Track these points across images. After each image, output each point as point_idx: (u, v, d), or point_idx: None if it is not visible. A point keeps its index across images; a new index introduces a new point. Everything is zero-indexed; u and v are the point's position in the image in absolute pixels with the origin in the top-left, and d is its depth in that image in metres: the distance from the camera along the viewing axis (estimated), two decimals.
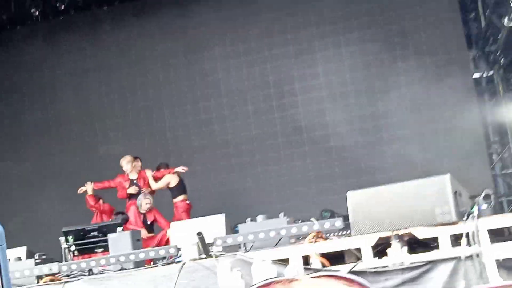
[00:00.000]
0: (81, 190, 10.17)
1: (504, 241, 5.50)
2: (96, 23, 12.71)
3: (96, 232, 7.37)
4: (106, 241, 6.83)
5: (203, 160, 12.16)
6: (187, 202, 10.30)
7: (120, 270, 6.19)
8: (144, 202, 9.64)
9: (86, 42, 12.70)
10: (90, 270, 6.13)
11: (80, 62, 12.70)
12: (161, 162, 10.65)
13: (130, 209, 9.85)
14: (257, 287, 0.93)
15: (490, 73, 11.04)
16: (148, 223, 9.68)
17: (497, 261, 5.27)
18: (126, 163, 10.17)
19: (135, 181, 10.13)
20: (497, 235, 5.62)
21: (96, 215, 10.28)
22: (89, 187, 10.12)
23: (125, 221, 9.01)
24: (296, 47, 11.96)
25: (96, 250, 7.21)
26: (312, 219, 6.11)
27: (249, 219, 6.73)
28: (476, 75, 11.21)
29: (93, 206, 10.21)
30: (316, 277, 0.89)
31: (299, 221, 7.06)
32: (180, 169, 10.19)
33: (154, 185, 10.07)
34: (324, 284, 0.84)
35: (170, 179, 10.22)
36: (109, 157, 11.63)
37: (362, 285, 0.92)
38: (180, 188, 10.35)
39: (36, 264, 6.47)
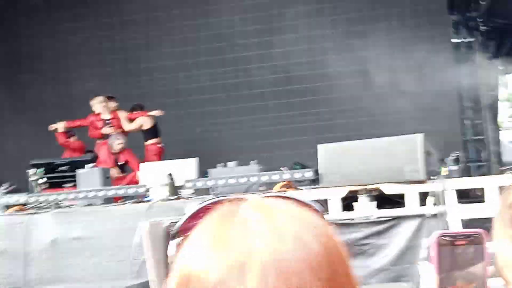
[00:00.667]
0: (51, 127, 10.07)
1: (469, 203, 5.62)
2: None
3: (65, 167, 7.34)
4: (75, 176, 6.81)
5: (178, 105, 12.09)
6: (159, 145, 10.26)
7: (88, 205, 6.20)
8: (116, 143, 9.60)
9: None
10: (57, 203, 6.12)
11: None
12: (135, 103, 10.55)
13: (102, 149, 9.80)
14: (208, 204, 0.93)
15: (470, 39, 11.05)
16: (119, 163, 9.66)
17: (462, 221, 5.39)
18: (96, 103, 10.04)
19: (108, 121, 10.04)
20: (462, 197, 5.73)
21: (66, 152, 10.21)
22: (60, 125, 10.01)
23: (95, 158, 8.96)
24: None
25: (64, 185, 7.18)
26: (283, 168, 6.17)
27: (220, 164, 6.75)
28: (455, 40, 11.22)
29: (63, 143, 10.13)
30: (266, 197, 0.90)
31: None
32: (155, 112, 10.12)
33: (127, 126, 9.99)
34: (274, 202, 0.85)
35: (144, 122, 10.15)
36: (83, 95, 11.50)
37: (311, 207, 0.94)
38: (153, 131, 10.29)
39: (5, 194, 6.45)
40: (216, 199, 0.98)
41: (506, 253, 1.18)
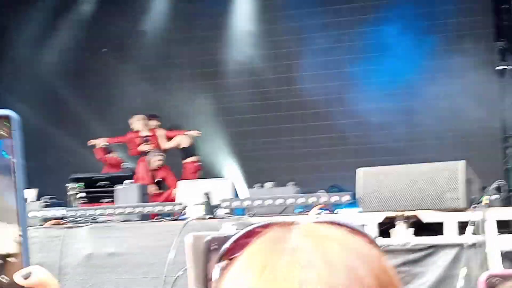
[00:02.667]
0: (90, 142, 10.23)
1: (510, 233, 5.47)
2: None
3: (104, 182, 7.41)
4: (113, 192, 6.87)
5: (216, 126, 12.15)
6: (196, 164, 10.33)
7: (124, 221, 6.23)
8: (154, 159, 9.66)
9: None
10: (94, 218, 6.17)
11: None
12: (174, 123, 10.67)
13: (140, 165, 9.89)
14: (256, 227, 0.89)
15: None
16: (157, 180, 9.73)
17: (501, 252, 5.25)
18: (136, 121, 10.19)
19: (146, 138, 10.16)
20: (503, 227, 5.59)
21: (105, 168, 10.35)
22: (99, 141, 10.18)
23: (133, 174, 9.04)
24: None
25: (102, 200, 7.25)
26: (321, 191, 6.11)
27: (257, 184, 6.73)
28: (501, 67, 11.05)
29: (101, 158, 10.28)
30: (318, 222, 0.85)
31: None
32: (192, 132, 10.21)
33: (165, 144, 10.10)
34: (326, 229, 0.80)
35: (181, 140, 10.24)
36: (125, 112, 11.67)
37: (365, 235, 0.88)
38: (191, 150, 10.38)
39: (43, 207, 6.53)
40: (266, 223, 0.94)
41: None
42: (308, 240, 0.78)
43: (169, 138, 10.19)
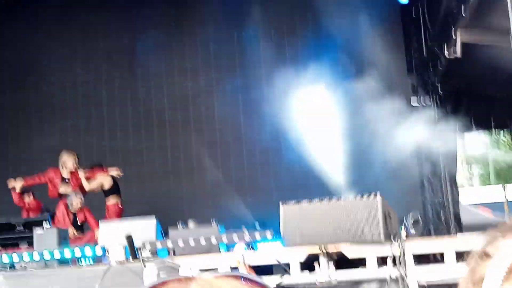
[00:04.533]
0: (10, 183, 9.84)
1: (428, 263, 5.65)
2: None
3: (22, 227, 7.18)
4: (31, 237, 6.66)
5: (139, 163, 12.03)
6: (119, 206, 10.13)
7: (44, 267, 6.04)
8: (75, 202, 9.45)
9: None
10: (12, 265, 5.95)
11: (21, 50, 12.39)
12: (95, 162, 10.45)
13: (60, 208, 9.62)
14: (153, 286, 0.91)
15: (428, 101, 11.32)
16: (79, 223, 9.49)
17: (421, 285, 5.40)
18: (70, 160, 9.86)
19: (67, 180, 9.89)
20: (423, 258, 5.76)
21: (24, 212, 10.01)
22: (17, 184, 9.77)
23: (52, 217, 8.79)
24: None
25: (20, 246, 7.01)
26: (243, 228, 6.13)
27: (180, 223, 6.68)
28: (414, 102, 11.48)
29: (18, 202, 9.92)
30: (217, 277, 0.88)
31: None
32: (114, 172, 10.01)
33: (87, 186, 9.84)
34: (222, 283, 0.83)
35: (104, 181, 10.03)
36: (43, 150, 11.38)
37: (262, 286, 0.92)
38: (113, 191, 10.17)
39: None
40: (164, 279, 0.95)
41: None
42: None
43: (89, 179, 9.94)
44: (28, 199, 9.98)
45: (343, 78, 11.46)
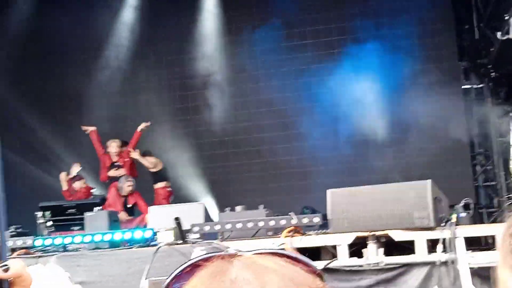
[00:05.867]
0: (86, 129, 10.23)
1: (480, 250, 5.54)
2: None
3: (73, 210, 7.33)
4: (83, 219, 6.80)
5: (187, 148, 12.12)
6: (168, 189, 10.28)
7: (94, 249, 6.16)
8: (126, 185, 9.58)
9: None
10: (64, 246, 6.08)
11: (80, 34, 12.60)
12: (145, 149, 10.62)
13: (111, 191, 9.79)
14: (197, 260, 0.91)
15: (480, 85, 11.07)
16: (128, 206, 9.64)
17: (472, 269, 5.30)
18: (115, 147, 10.11)
19: (117, 164, 10.09)
20: (473, 244, 5.65)
21: (72, 195, 10.25)
22: (74, 169, 10.18)
23: (103, 201, 8.95)
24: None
25: (72, 228, 7.17)
26: (291, 213, 6.11)
27: (228, 208, 6.71)
28: (466, 86, 11.24)
29: (70, 188, 10.18)
30: (259, 253, 0.87)
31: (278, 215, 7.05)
32: (143, 125, 10.16)
33: (145, 161, 10.07)
34: (266, 260, 0.82)
35: (157, 163, 10.24)
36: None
37: (306, 264, 0.90)
38: (163, 174, 10.33)
39: (11, 236, 6.43)
40: (207, 256, 0.95)
41: (507, 283, 1.14)
42: (247, 271, 0.79)
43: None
44: (79, 184, 10.19)
45: (394, 63, 11.30)
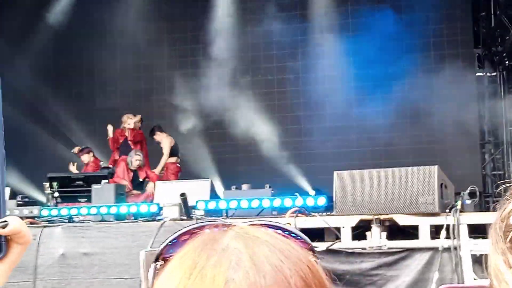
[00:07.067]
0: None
1: (483, 238, 5.53)
2: None
3: (81, 182, 7.38)
4: (90, 191, 6.84)
5: (197, 125, 12.15)
6: (178, 165, 10.34)
7: (100, 221, 6.21)
8: (135, 159, 9.64)
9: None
10: (70, 217, 6.14)
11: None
12: (155, 124, 10.66)
13: (120, 165, 9.85)
14: (192, 228, 0.92)
15: (494, 73, 11.00)
16: (140, 179, 9.70)
17: (474, 256, 5.30)
18: (133, 123, 10.21)
19: (128, 138, 10.18)
20: (477, 231, 5.64)
21: (84, 167, 10.34)
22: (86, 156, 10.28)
23: (111, 174, 9.01)
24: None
25: (79, 199, 7.22)
26: (296, 194, 6.12)
27: (234, 186, 6.74)
28: (480, 74, 11.16)
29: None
30: (252, 225, 0.88)
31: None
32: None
33: (166, 157, 10.22)
34: (258, 231, 0.83)
35: (171, 140, 10.34)
36: (104, 111, 11.63)
37: (300, 239, 0.91)
38: (174, 150, 10.39)
39: (18, 205, 6.49)
40: (201, 224, 0.96)
41: (498, 267, 1.15)
42: (238, 241, 0.80)
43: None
44: (88, 157, 10.26)
45: (409, 47, 11.25)
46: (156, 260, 0.97)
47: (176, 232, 0.98)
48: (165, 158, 10.19)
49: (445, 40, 11.37)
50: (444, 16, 11.34)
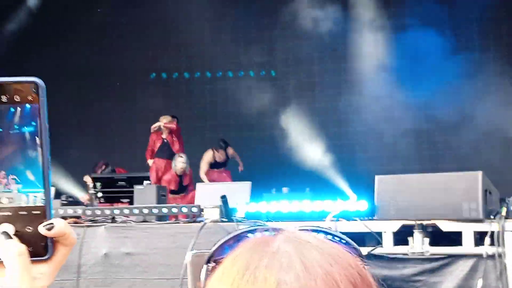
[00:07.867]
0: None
1: None
2: None
3: (124, 182, 7.48)
4: (132, 192, 6.93)
5: (238, 129, 12.18)
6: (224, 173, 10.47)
7: (142, 222, 6.27)
8: (178, 161, 9.61)
9: None
10: (113, 218, 6.22)
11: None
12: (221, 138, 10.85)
13: (164, 168, 9.98)
14: (243, 231, 0.94)
15: None
16: (184, 185, 9.77)
17: None
18: (164, 120, 10.30)
19: (166, 140, 10.25)
20: None
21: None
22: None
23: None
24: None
25: (122, 200, 7.32)
26: (338, 198, 6.11)
27: (274, 189, 6.75)
28: None
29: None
30: (302, 229, 0.89)
31: None
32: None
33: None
34: (308, 236, 0.84)
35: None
36: (145, 112, 11.76)
37: (349, 244, 0.92)
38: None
39: (62, 205, 6.60)
40: (253, 228, 0.98)
41: None
42: (288, 244, 0.81)
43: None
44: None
45: (452, 50, 11.10)
46: (208, 261, 0.99)
47: (228, 235, 1.00)
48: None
49: (490, 44, 11.19)
50: (489, 19, 11.15)
